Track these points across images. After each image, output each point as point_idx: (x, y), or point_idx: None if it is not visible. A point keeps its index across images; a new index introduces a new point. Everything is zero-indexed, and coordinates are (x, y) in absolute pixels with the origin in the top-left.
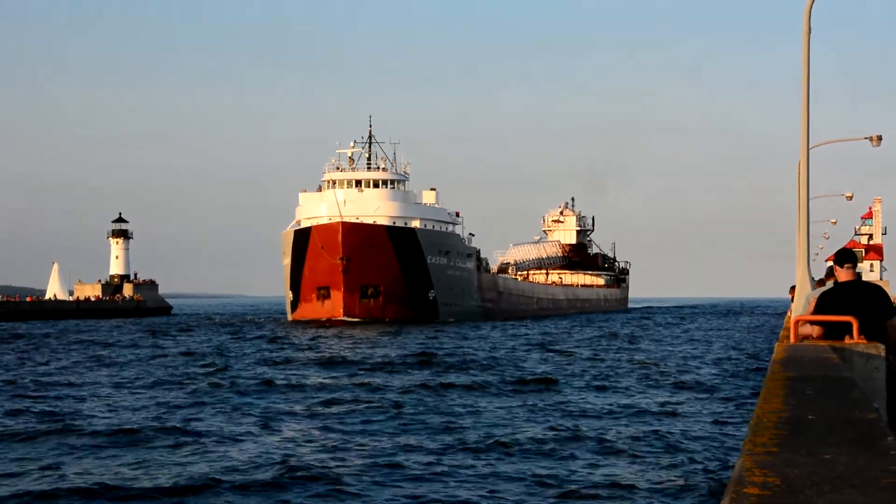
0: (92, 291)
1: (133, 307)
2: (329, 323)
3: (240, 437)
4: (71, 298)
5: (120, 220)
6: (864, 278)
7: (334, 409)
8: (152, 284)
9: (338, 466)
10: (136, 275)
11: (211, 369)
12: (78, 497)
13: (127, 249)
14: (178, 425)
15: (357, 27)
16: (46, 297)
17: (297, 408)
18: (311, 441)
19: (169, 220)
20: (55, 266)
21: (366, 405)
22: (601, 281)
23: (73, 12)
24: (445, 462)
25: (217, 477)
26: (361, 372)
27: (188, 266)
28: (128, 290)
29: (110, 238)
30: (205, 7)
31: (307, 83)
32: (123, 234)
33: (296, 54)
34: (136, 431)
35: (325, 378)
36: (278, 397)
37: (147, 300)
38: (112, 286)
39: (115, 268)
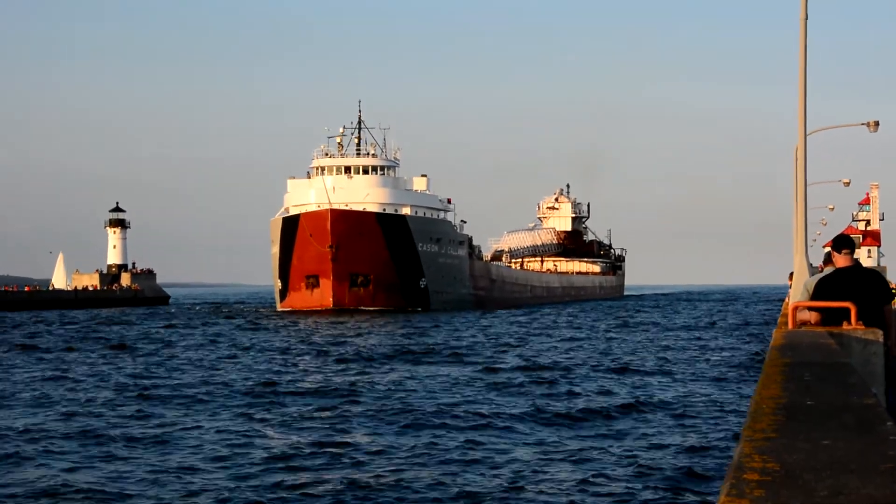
0: (90, 281)
1: (131, 297)
2: (319, 312)
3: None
4: (69, 288)
5: (117, 209)
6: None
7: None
8: (150, 274)
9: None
10: (133, 264)
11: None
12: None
13: (124, 239)
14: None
15: (348, 15)
16: (53, 286)
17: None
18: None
19: (166, 209)
20: (60, 256)
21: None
22: (597, 268)
23: (73, 3)
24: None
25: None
26: (361, 364)
27: (186, 255)
28: (125, 279)
29: (108, 227)
30: None
31: (305, 72)
32: (121, 224)
33: (293, 45)
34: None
35: (316, 373)
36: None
37: (145, 289)
38: (110, 276)
39: (113, 257)
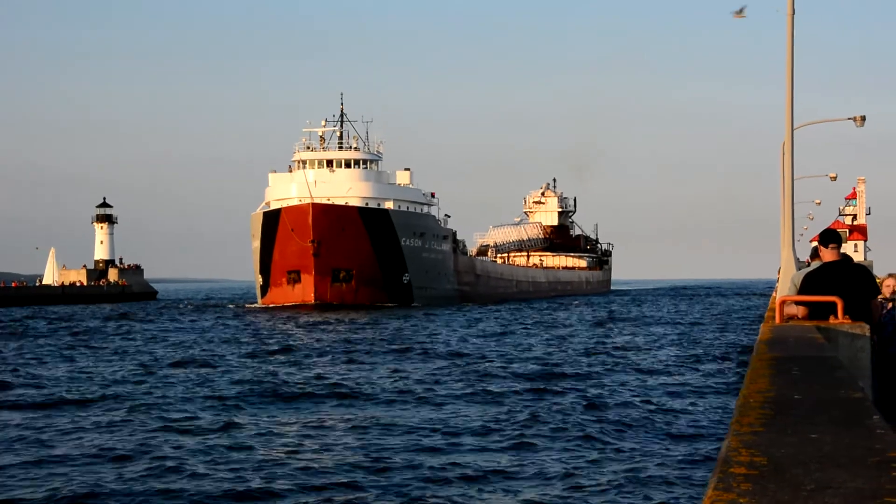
0: (77, 277)
1: (118, 292)
2: (303, 308)
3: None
4: (55, 283)
5: (104, 205)
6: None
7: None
8: (137, 269)
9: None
10: (121, 260)
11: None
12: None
13: (112, 234)
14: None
15: (331, 8)
16: (45, 282)
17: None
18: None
19: (154, 204)
20: (51, 252)
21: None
22: (583, 263)
23: (54, 4)
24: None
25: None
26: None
27: (173, 251)
28: (113, 275)
29: (95, 223)
30: None
31: (289, 67)
32: (108, 219)
33: (276, 39)
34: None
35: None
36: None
37: (132, 285)
38: (97, 271)
39: (100, 253)
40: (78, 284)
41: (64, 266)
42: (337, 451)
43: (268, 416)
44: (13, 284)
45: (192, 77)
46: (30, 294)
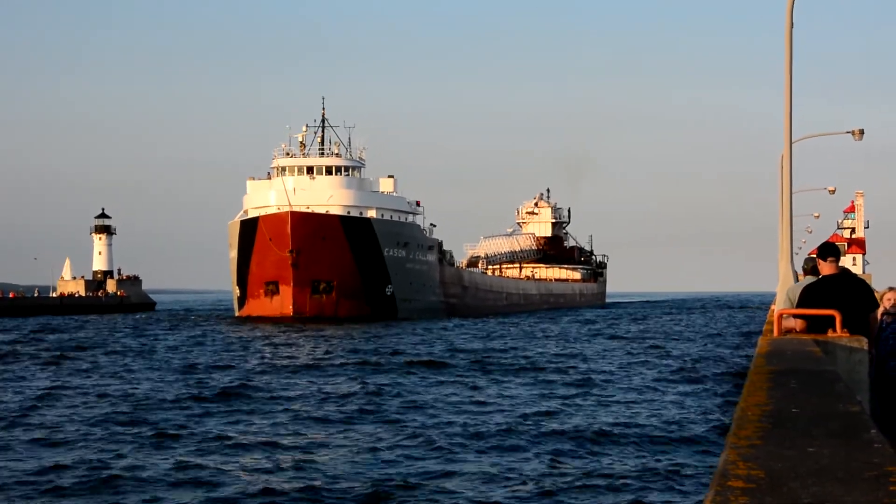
0: (75, 287)
1: (116, 303)
2: (280, 321)
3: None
4: (54, 294)
5: (103, 215)
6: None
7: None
8: (136, 280)
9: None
10: (119, 270)
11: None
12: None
13: (110, 245)
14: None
15: (314, 12)
16: (58, 292)
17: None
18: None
19: (152, 215)
20: (67, 261)
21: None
22: (577, 275)
23: (50, 6)
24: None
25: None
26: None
27: (172, 261)
28: (111, 285)
29: (93, 234)
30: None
31: (273, 68)
32: (106, 230)
33: (263, 40)
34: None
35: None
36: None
37: (130, 296)
38: (95, 282)
39: (99, 263)
40: (76, 295)
41: (62, 277)
42: None
43: None
44: (11, 295)
45: (189, 79)
46: (26, 305)
